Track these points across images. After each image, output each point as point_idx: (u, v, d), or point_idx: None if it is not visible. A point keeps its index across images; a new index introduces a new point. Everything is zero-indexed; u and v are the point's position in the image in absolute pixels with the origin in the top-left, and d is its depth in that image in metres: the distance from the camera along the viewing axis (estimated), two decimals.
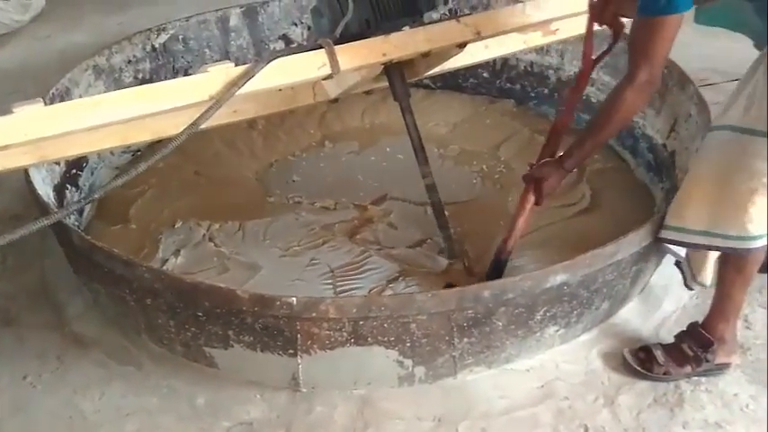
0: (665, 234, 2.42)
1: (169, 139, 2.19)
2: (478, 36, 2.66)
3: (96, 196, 2.43)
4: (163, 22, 3.88)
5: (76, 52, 4.43)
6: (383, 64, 2.61)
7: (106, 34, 4.83)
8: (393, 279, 2.85)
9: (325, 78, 2.49)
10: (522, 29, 2.91)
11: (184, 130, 2.20)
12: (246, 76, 2.29)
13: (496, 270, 2.72)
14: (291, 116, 3.85)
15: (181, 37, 3.86)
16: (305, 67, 2.43)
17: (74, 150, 2.59)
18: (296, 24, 4.12)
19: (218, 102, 2.23)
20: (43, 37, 5.09)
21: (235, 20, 4.01)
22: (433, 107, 3.96)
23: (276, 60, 2.37)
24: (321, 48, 2.43)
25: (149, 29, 3.81)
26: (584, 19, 2.71)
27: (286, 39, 4.12)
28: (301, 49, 2.49)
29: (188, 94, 2.28)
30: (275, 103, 2.89)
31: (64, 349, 2.64)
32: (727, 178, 2.22)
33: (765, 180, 2.16)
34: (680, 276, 2.82)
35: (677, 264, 2.62)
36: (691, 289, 2.65)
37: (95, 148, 2.66)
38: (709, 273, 2.48)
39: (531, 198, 2.63)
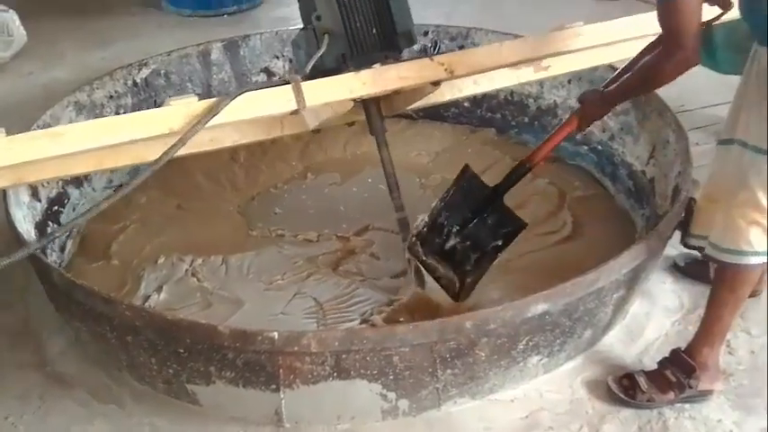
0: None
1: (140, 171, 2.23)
2: (452, 75, 2.67)
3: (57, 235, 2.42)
4: (144, 57, 3.89)
5: (59, 88, 4.43)
6: (353, 100, 2.63)
7: (88, 70, 4.84)
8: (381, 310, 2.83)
9: (292, 113, 2.52)
10: (497, 69, 2.92)
11: (148, 168, 2.26)
12: (211, 113, 2.32)
13: (511, 178, 2.73)
14: (273, 148, 3.86)
15: (162, 72, 3.87)
16: (271, 103, 2.48)
17: (49, 173, 2.58)
18: (278, 57, 4.15)
19: (182, 138, 2.27)
20: (25, 73, 5.09)
21: (216, 54, 4.03)
22: (414, 137, 3.99)
23: (243, 95, 2.40)
24: (288, 83, 2.47)
25: (131, 64, 3.82)
26: (570, 58, 2.75)
27: (268, 72, 4.15)
28: (270, 84, 2.53)
29: (149, 128, 2.35)
30: (253, 131, 2.88)
31: (46, 388, 2.61)
32: (729, 192, 2.27)
33: (764, 197, 2.20)
34: (663, 303, 2.85)
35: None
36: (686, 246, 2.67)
37: (72, 171, 2.66)
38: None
39: (575, 120, 2.67)
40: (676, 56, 2.22)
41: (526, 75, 3.12)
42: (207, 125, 2.32)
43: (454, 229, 2.72)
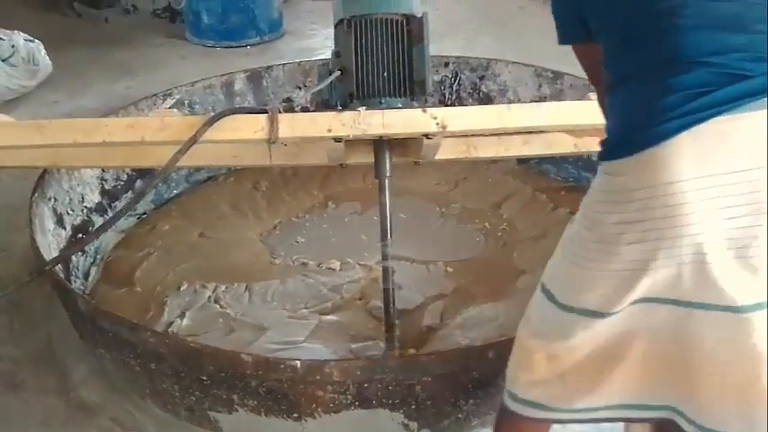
0: None
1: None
2: (444, 130, 2.57)
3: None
4: (169, 87, 3.95)
5: (83, 117, 4.48)
6: (335, 139, 2.60)
7: (113, 99, 4.90)
8: None
9: (272, 142, 2.55)
10: (495, 131, 2.89)
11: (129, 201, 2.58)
12: (189, 141, 2.42)
13: None
14: (294, 178, 3.90)
15: (186, 101, 3.91)
16: (243, 129, 2.54)
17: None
18: (300, 88, 4.19)
19: (164, 169, 2.42)
20: (50, 102, 5.15)
21: (239, 84, 4.08)
22: (434, 166, 3.97)
23: (220, 120, 2.49)
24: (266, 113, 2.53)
25: (155, 94, 3.87)
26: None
27: (290, 102, 4.18)
28: (251, 110, 2.66)
29: (121, 134, 2.58)
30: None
31: (69, 415, 2.62)
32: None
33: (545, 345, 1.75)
34: None
35: None
36: None
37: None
38: None
39: None
40: None
41: (587, 144, 2.93)
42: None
43: None
